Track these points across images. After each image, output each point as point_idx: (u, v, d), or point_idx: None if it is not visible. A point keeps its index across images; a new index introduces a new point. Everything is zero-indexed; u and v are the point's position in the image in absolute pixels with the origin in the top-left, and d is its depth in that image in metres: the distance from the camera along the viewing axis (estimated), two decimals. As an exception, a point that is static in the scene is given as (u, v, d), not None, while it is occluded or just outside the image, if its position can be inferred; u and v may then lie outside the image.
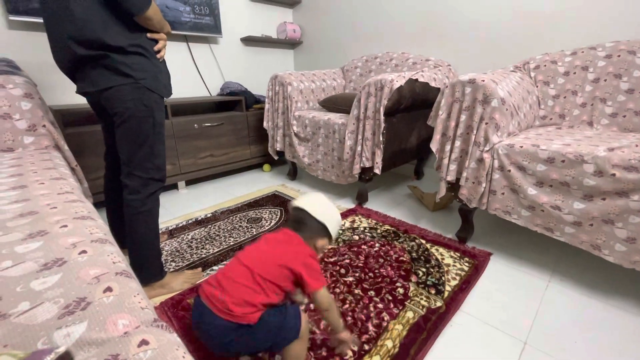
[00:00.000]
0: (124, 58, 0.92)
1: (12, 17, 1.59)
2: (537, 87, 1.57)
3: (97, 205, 1.10)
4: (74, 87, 1.01)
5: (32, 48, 1.70)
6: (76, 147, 1.51)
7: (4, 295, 0.41)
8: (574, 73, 1.48)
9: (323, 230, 0.85)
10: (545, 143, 1.09)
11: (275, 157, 2.29)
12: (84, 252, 0.52)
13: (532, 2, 1.65)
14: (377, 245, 1.37)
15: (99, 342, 0.35)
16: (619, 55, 1.37)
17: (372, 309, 1.01)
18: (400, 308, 1.01)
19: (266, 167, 2.58)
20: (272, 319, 0.70)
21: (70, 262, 0.49)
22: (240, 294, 0.68)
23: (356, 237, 1.44)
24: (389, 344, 0.87)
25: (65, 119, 1.65)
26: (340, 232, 1.50)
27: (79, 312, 0.39)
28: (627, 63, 1.35)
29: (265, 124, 2.24)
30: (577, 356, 0.85)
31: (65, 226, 0.60)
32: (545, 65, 1.56)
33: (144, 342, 0.36)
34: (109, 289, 0.44)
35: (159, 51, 1.01)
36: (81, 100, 1.06)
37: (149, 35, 0.97)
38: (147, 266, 1.06)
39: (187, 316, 0.98)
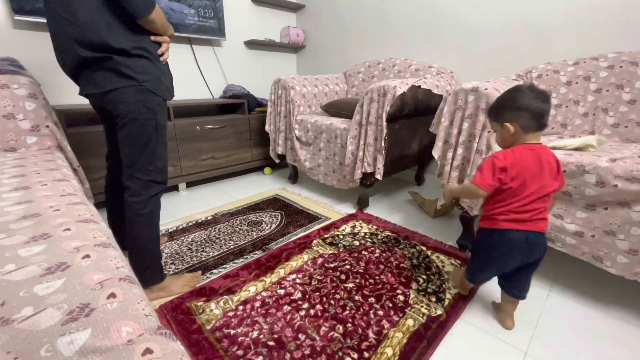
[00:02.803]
0: (128, 60, 0.92)
1: (17, 17, 1.59)
2: (539, 96, 1.57)
3: (98, 205, 1.09)
4: (77, 87, 1.02)
5: (37, 48, 1.71)
6: (78, 147, 1.51)
7: (8, 299, 0.41)
8: (576, 83, 1.49)
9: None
10: (548, 152, 1.09)
11: (277, 161, 2.30)
12: (88, 256, 0.52)
13: (535, 12, 1.67)
14: (377, 251, 1.37)
15: (102, 349, 0.35)
16: (621, 66, 1.38)
17: (372, 315, 1.00)
18: (401, 315, 1.01)
19: (267, 170, 2.59)
20: None
21: (74, 267, 0.48)
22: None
23: (357, 243, 1.44)
24: (389, 351, 0.87)
25: (68, 119, 1.65)
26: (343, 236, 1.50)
27: (82, 319, 0.39)
28: (629, 74, 1.35)
29: (267, 127, 2.24)
30: (577, 368, 0.84)
31: (69, 229, 0.59)
32: (547, 75, 1.56)
33: (148, 351, 0.35)
34: (112, 295, 0.43)
35: (162, 54, 1.02)
36: (84, 100, 1.06)
37: (152, 38, 0.98)
38: (146, 269, 1.05)
39: (186, 320, 0.98)
